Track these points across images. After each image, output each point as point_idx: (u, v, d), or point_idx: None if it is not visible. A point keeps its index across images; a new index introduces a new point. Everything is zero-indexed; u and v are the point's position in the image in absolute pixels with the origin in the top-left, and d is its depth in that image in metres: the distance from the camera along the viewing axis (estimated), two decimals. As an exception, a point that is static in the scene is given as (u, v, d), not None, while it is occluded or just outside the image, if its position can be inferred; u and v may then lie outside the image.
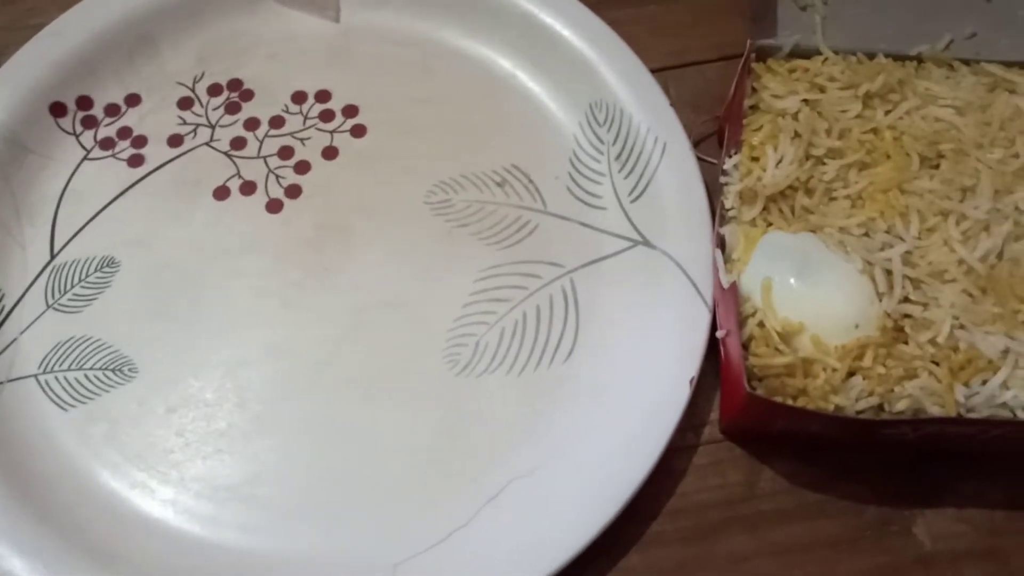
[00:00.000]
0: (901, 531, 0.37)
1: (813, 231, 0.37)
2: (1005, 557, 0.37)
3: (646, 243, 0.41)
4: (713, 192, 0.41)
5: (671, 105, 0.43)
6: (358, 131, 0.44)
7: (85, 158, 0.43)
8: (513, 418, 0.39)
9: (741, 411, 0.36)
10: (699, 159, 0.42)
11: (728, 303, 0.36)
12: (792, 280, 0.35)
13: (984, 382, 0.34)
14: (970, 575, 0.37)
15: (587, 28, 0.45)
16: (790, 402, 0.34)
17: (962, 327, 0.35)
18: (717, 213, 0.39)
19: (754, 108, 0.40)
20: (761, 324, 0.35)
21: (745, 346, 0.35)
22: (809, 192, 0.38)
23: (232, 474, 0.38)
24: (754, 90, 0.40)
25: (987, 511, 0.38)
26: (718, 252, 0.38)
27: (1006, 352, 0.34)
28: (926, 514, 0.38)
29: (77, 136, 0.44)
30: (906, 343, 0.35)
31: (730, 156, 0.39)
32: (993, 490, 0.38)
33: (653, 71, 0.44)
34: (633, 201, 0.42)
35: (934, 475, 0.38)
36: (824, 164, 0.38)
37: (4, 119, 0.42)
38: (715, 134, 0.44)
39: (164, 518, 0.37)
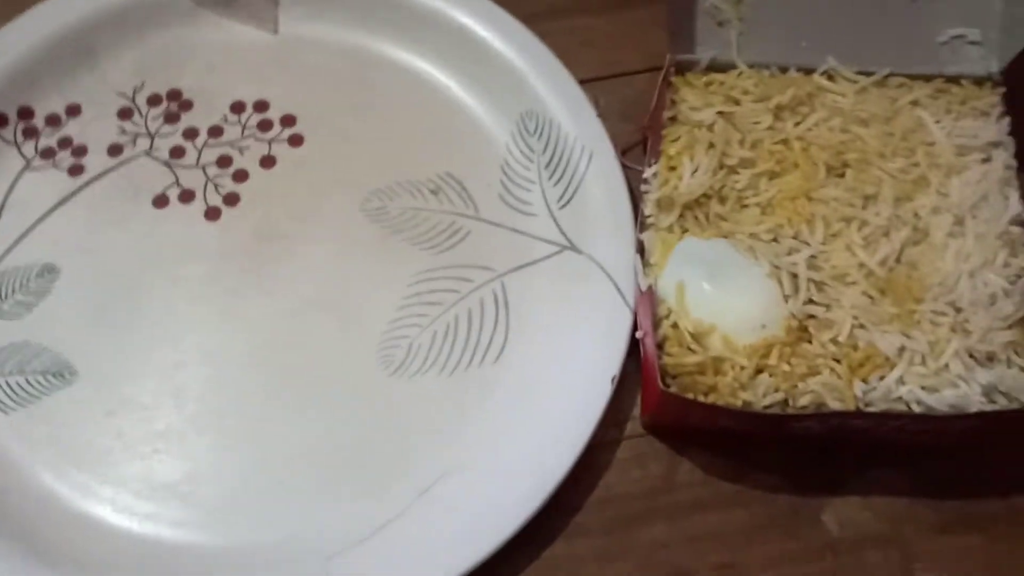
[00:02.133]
0: (810, 519, 0.39)
1: (725, 237, 0.39)
2: (906, 542, 0.39)
3: (573, 248, 0.43)
4: (640, 200, 0.43)
5: (599, 115, 0.45)
6: (296, 140, 0.46)
7: (26, 168, 0.44)
8: (445, 415, 0.40)
9: (658, 407, 0.38)
10: (627, 167, 0.44)
11: (645, 306, 0.38)
12: (705, 284, 0.37)
13: (881, 378, 0.36)
14: (873, 559, 0.39)
15: (519, 41, 0.46)
16: (701, 398, 0.36)
17: (862, 327, 0.37)
18: (638, 220, 0.41)
19: (673, 120, 0.42)
20: (675, 325, 0.37)
21: (660, 346, 0.37)
22: (722, 200, 0.40)
23: (169, 472, 0.39)
24: (673, 103, 0.42)
25: (890, 499, 0.40)
26: (637, 257, 0.40)
27: (902, 350, 0.36)
28: (834, 502, 0.40)
29: (19, 146, 0.45)
30: (810, 342, 0.37)
31: (650, 166, 0.41)
32: (896, 479, 0.40)
33: (583, 82, 0.46)
34: (561, 207, 0.44)
35: (841, 466, 0.40)
36: (737, 173, 0.40)
37: (-55, 129, 0.43)
38: (641, 143, 0.46)
39: (104, 516, 0.38)
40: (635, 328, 0.40)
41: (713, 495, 0.40)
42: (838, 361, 0.36)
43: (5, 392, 0.40)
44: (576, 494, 0.39)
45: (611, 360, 0.40)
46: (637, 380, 0.41)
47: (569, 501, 0.39)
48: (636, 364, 0.41)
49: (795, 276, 0.38)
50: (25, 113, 0.45)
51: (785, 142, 0.40)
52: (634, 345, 0.40)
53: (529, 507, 0.37)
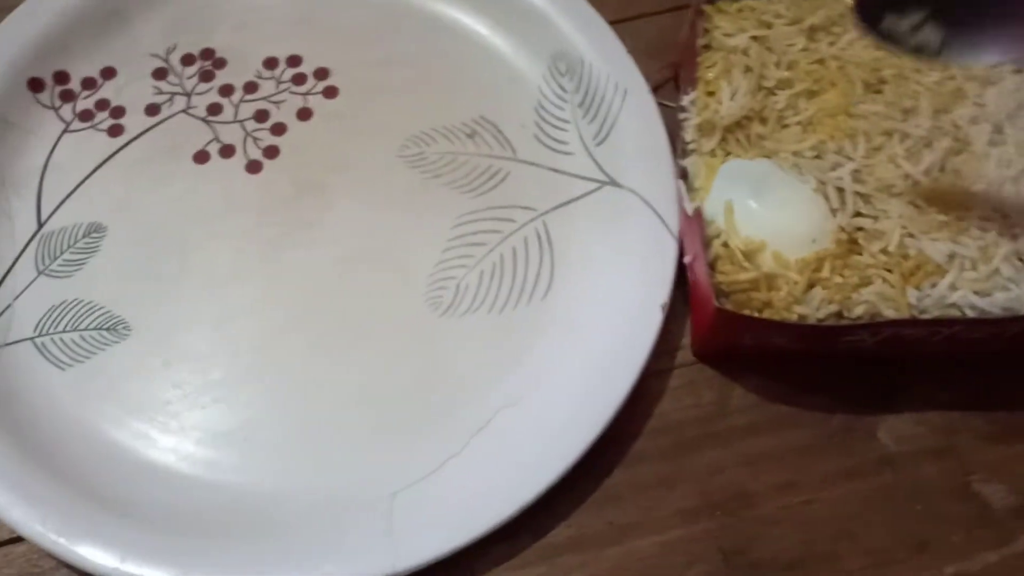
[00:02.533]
0: (865, 436, 0.40)
1: (769, 157, 0.39)
2: (960, 453, 0.39)
3: (613, 183, 0.43)
4: (672, 134, 0.43)
5: (628, 53, 0.45)
6: (330, 92, 0.46)
7: (65, 130, 0.44)
8: (497, 353, 0.41)
9: (711, 328, 0.38)
10: (659, 104, 0.44)
11: (693, 229, 0.38)
12: (752, 202, 0.38)
13: (933, 285, 0.36)
14: (930, 471, 0.39)
15: (544, -16, 0.47)
16: (756, 314, 0.37)
17: (911, 236, 0.37)
18: (678, 148, 0.41)
19: (707, 47, 0.42)
20: (725, 244, 0.37)
21: (712, 266, 0.37)
22: (763, 121, 0.40)
23: (229, 420, 0.39)
24: (706, 31, 0.42)
25: (943, 412, 0.40)
26: (680, 183, 0.40)
27: (952, 256, 0.37)
28: (888, 419, 0.40)
29: (56, 110, 0.45)
30: (860, 254, 0.37)
31: (687, 94, 0.41)
32: (947, 393, 0.40)
33: (609, 24, 0.46)
34: (598, 145, 0.44)
35: (893, 383, 0.40)
36: (775, 94, 0.40)
37: (-17, 95, 0.43)
38: (671, 79, 0.46)
39: (166, 465, 0.38)
40: (682, 256, 0.40)
41: (767, 418, 0.40)
42: (889, 271, 0.37)
43: (60, 349, 0.40)
44: (631, 423, 0.40)
45: (659, 288, 0.40)
46: (684, 311, 0.42)
47: (625, 430, 0.40)
48: (682, 293, 0.41)
49: (841, 190, 0.38)
50: (61, 77, 0.45)
51: (821, 61, 0.41)
52: (679, 276, 0.41)
53: (588, 437, 0.38)
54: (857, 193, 0.38)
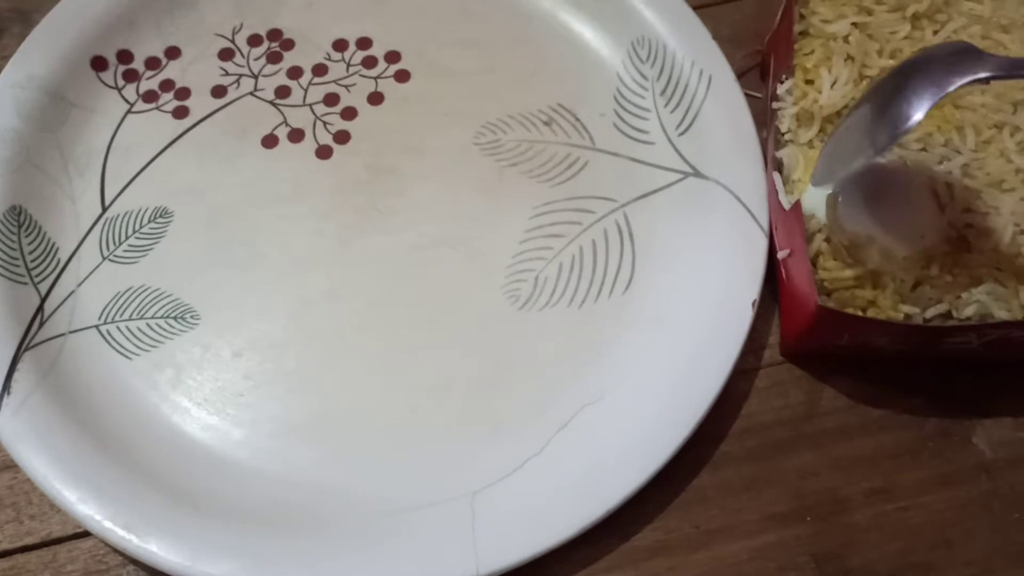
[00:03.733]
0: (961, 441, 0.38)
1: (871, 148, 0.37)
2: (1064, 461, 0.38)
3: (697, 174, 0.42)
4: (758, 123, 0.42)
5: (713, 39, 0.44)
6: (402, 76, 0.44)
7: (129, 111, 0.43)
8: (577, 348, 0.39)
9: (809, 327, 0.36)
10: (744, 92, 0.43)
11: (791, 223, 0.37)
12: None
13: (1048, 285, 0.35)
14: (1030, 479, 0.38)
15: (625, -33, 0.45)
16: (860, 313, 0.35)
17: (1023, 233, 0.35)
18: (771, 137, 0.39)
19: (803, 34, 0.40)
20: (828, 239, 0.36)
21: (813, 262, 0.36)
22: (864, 111, 0.38)
23: (303, 414, 0.38)
24: (802, 16, 0.40)
25: (1044, 418, 0.39)
26: (776, 175, 0.38)
27: (1067, 255, 0.35)
28: (984, 424, 0.39)
29: (120, 90, 0.43)
30: (970, 251, 0.35)
31: (781, 82, 0.39)
32: (1048, 398, 0.39)
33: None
34: (681, 134, 0.43)
35: (990, 387, 0.39)
36: (877, 84, 0.39)
37: (45, 74, 0.42)
38: (756, 67, 0.45)
39: (238, 459, 0.37)
40: (771, 250, 0.39)
41: (859, 421, 0.39)
42: (1001, 269, 0.35)
43: (126, 338, 0.39)
44: (718, 424, 0.38)
45: (749, 284, 0.38)
46: (771, 306, 0.40)
47: (711, 431, 0.38)
48: (769, 290, 0.39)
49: (950, 185, 0.36)
50: (124, 56, 0.44)
51: (925, 51, 0.39)
52: (767, 270, 0.39)
53: (675, 438, 0.36)
54: (967, 188, 0.36)
